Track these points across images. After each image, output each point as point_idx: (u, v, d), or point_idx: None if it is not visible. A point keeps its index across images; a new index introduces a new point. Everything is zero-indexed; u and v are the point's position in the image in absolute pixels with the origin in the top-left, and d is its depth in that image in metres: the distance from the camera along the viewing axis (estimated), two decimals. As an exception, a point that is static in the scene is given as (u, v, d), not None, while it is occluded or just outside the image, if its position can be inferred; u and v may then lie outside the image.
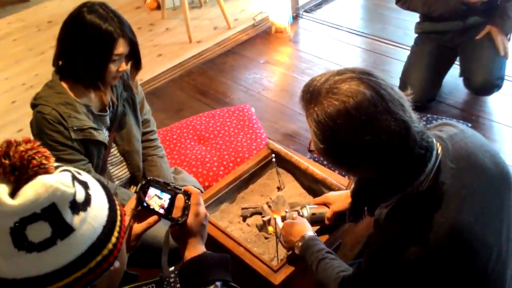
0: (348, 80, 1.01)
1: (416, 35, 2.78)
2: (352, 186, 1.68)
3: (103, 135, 1.77)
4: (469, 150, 1.12)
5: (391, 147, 0.98)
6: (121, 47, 1.61)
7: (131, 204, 1.11)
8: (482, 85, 2.51)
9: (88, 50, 1.59)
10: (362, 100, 0.97)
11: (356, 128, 0.97)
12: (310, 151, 1.16)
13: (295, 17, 3.86)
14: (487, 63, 2.50)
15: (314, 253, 1.37)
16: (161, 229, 1.91)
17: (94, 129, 1.72)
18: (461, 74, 2.63)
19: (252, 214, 1.82)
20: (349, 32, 3.60)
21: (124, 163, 1.94)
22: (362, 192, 1.16)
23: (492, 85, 2.51)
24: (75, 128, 1.67)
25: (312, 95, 1.04)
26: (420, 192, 1.06)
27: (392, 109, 0.98)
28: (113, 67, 1.64)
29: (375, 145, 0.97)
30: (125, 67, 1.68)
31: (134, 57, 1.71)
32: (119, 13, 1.63)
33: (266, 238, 1.74)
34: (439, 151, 1.08)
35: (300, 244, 1.44)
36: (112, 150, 1.88)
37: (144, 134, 2.03)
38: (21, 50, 3.93)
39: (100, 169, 1.84)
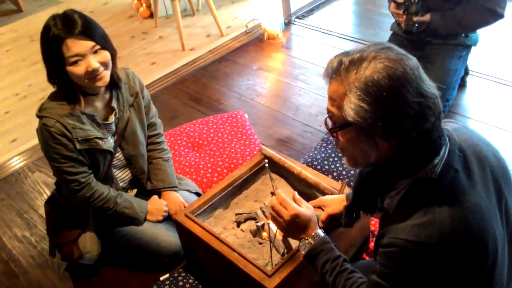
0: (389, 49, 1.03)
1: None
2: (347, 187, 1.70)
3: (108, 143, 1.79)
4: (474, 142, 1.16)
5: (433, 113, 1.01)
6: (74, 47, 1.56)
7: None
8: None
9: (47, 58, 1.61)
10: (413, 63, 1.01)
11: (413, 87, 0.99)
12: (330, 129, 1.11)
13: (287, 24, 3.89)
14: None
15: (330, 261, 1.28)
16: (161, 231, 1.93)
17: (100, 138, 1.74)
18: None
19: (246, 220, 1.82)
20: (341, 37, 3.63)
21: (128, 165, 1.96)
22: (369, 181, 1.15)
23: None
24: (79, 139, 1.68)
25: (352, 62, 1.03)
26: (433, 177, 1.06)
27: (422, 91, 1.01)
28: (78, 69, 1.59)
29: (424, 107, 1.00)
30: (94, 65, 1.60)
31: (104, 47, 1.65)
32: (74, 15, 1.59)
33: (260, 243, 1.74)
34: (447, 141, 1.10)
35: (310, 242, 1.33)
36: (117, 154, 1.89)
37: (150, 137, 2.04)
38: (14, 61, 3.94)
39: (105, 174, 1.86)
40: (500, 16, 2.44)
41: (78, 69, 1.59)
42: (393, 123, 1.00)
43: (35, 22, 4.49)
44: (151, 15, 4.29)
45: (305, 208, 1.41)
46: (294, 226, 1.38)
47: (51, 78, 1.65)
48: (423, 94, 1.00)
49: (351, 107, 1.02)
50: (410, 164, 1.06)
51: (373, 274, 1.13)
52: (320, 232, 1.37)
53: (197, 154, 2.42)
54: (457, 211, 1.02)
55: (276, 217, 1.42)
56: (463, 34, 2.58)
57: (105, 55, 1.64)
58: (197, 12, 4.32)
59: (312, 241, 1.34)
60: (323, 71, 1.11)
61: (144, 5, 4.33)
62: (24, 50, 4.05)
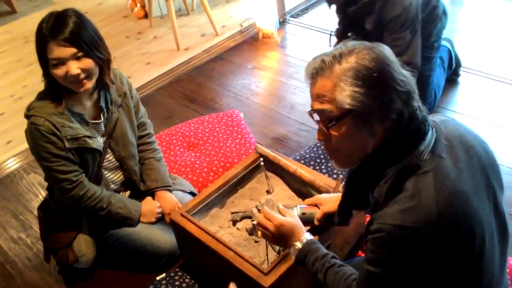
0: (362, 43, 1.11)
1: None
2: (342, 184, 1.71)
3: (97, 143, 1.78)
4: (461, 132, 1.18)
5: (414, 91, 1.09)
6: (56, 51, 1.56)
7: None
8: None
9: (37, 54, 1.60)
10: (389, 54, 1.09)
11: (396, 66, 1.08)
12: (327, 125, 1.11)
13: (282, 23, 3.89)
14: None
15: (319, 259, 1.31)
16: (156, 231, 1.93)
17: (89, 137, 1.73)
18: None
19: (242, 218, 1.83)
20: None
21: (119, 167, 1.95)
22: (359, 173, 1.17)
23: None
24: (68, 137, 1.67)
25: (335, 57, 1.09)
26: (419, 164, 1.09)
27: (402, 71, 1.09)
28: (58, 72, 1.59)
29: (408, 85, 1.07)
30: (73, 71, 1.58)
31: (89, 55, 1.61)
32: (68, 18, 1.57)
33: (256, 241, 1.75)
34: (433, 130, 1.13)
35: (298, 246, 1.38)
36: (107, 156, 1.88)
37: (140, 137, 2.04)
38: (9, 62, 3.93)
39: (95, 175, 1.85)
40: (415, 67, 2.21)
41: (59, 72, 1.59)
42: (387, 101, 1.05)
43: (29, 23, 4.47)
44: (146, 15, 4.29)
45: (289, 217, 1.46)
46: (281, 235, 1.42)
47: (43, 74, 1.65)
48: (403, 74, 1.08)
49: (346, 95, 1.06)
50: (398, 149, 1.10)
51: (365, 262, 1.15)
52: (307, 235, 1.40)
53: (193, 154, 2.43)
54: (443, 196, 1.04)
55: (264, 231, 1.46)
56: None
57: (88, 62, 1.61)
58: (191, 12, 4.32)
59: (299, 245, 1.38)
60: (304, 75, 1.15)
61: (138, 5, 4.33)
62: (19, 52, 4.04)
